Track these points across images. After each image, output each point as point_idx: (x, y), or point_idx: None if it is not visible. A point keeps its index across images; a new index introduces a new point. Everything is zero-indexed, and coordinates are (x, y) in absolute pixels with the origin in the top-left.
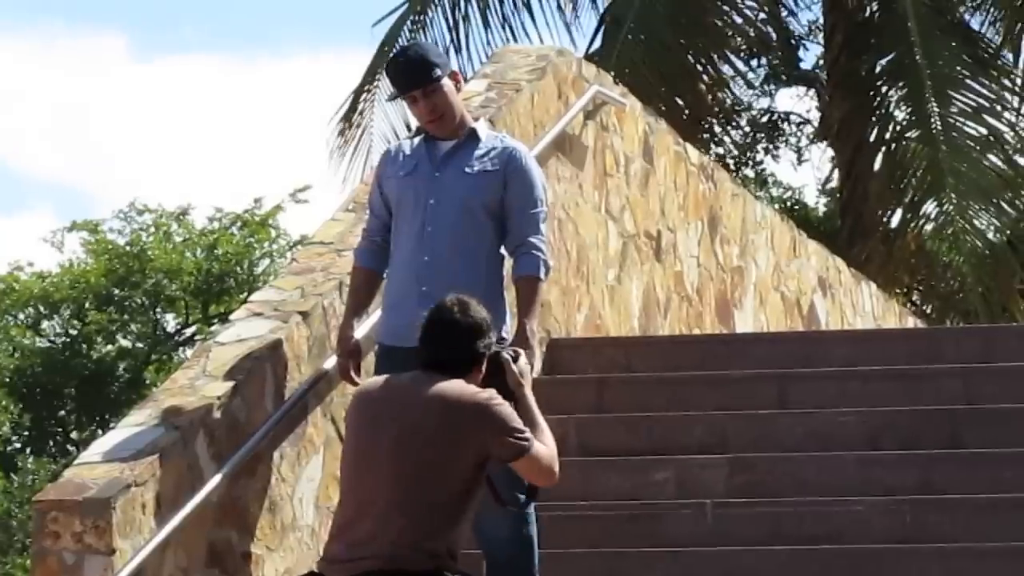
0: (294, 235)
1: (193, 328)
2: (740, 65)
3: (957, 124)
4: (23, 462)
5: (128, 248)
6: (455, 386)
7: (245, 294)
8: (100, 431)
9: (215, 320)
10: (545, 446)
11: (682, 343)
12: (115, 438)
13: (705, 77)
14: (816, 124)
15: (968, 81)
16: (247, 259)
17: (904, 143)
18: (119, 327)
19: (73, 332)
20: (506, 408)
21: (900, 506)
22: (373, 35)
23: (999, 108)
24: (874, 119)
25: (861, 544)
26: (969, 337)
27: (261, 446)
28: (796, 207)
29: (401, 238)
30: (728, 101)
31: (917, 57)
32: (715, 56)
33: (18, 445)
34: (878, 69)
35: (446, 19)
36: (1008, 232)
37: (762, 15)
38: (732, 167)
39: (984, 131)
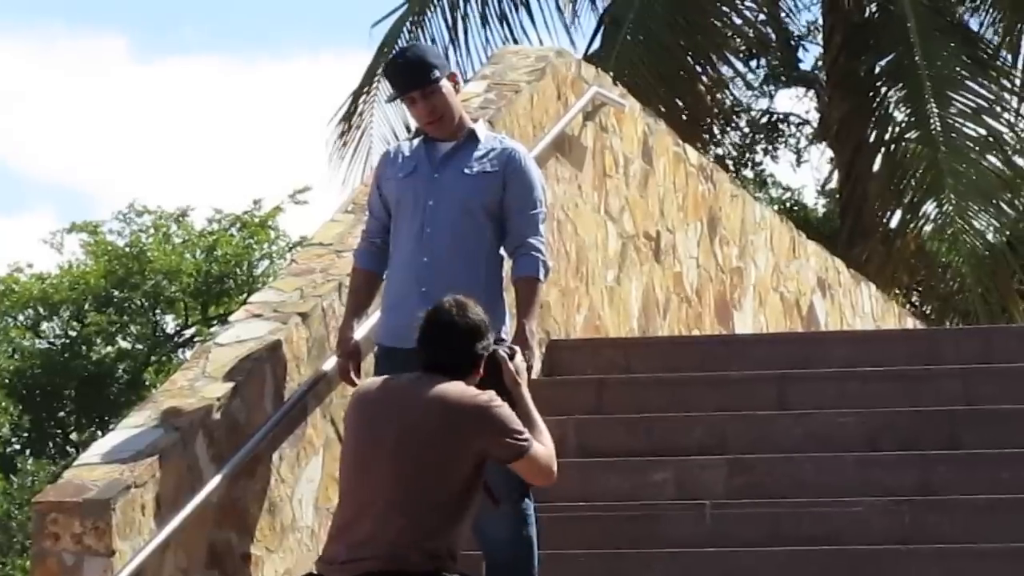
0: (293, 236)
1: (192, 329)
2: (739, 66)
3: (956, 125)
4: (23, 463)
5: (127, 249)
6: (455, 388)
7: (244, 295)
8: (100, 432)
9: (214, 321)
10: (543, 446)
11: (681, 344)
12: (115, 439)
13: (704, 78)
14: (815, 125)
15: (967, 82)
16: (246, 260)
17: (903, 144)
18: (119, 328)
19: (72, 333)
20: (505, 410)
21: (899, 507)
22: (372, 36)
23: (998, 109)
24: (873, 120)
25: (860, 545)
26: (968, 338)
27: (260, 447)
28: (795, 208)
29: (400, 239)
30: (727, 102)
31: (916, 58)
32: (714, 57)
33: (18, 446)
34: (877, 70)
35: (445, 20)
36: (1007, 233)
37: (761, 16)
38: (731, 168)
39: (983, 132)
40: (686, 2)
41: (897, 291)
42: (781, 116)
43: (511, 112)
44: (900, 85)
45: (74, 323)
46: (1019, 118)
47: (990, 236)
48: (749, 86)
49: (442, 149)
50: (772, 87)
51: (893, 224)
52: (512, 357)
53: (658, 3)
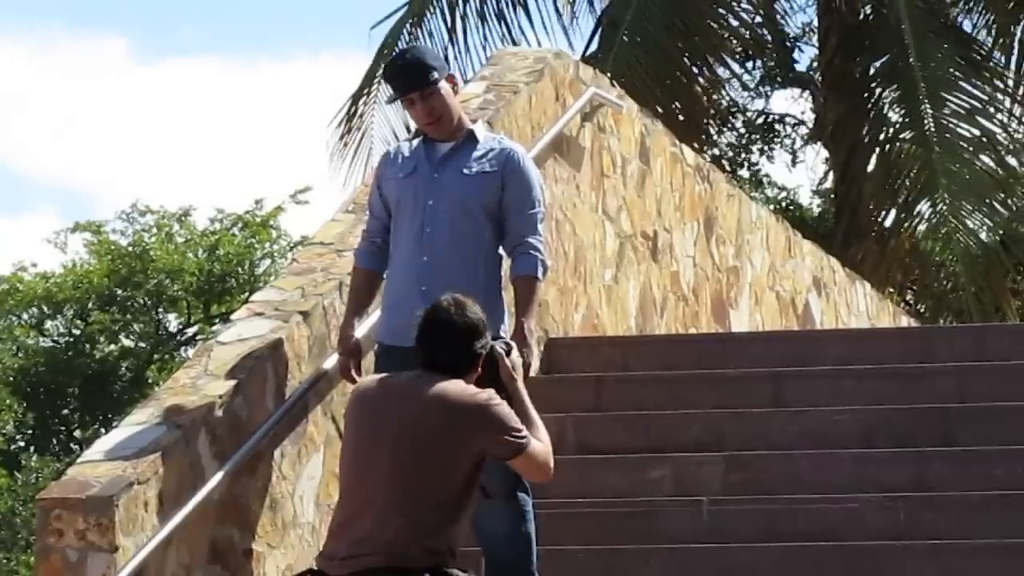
0: (295, 236)
1: (195, 328)
2: (735, 67)
3: (950, 125)
4: (27, 460)
5: (130, 249)
6: (455, 387)
7: (246, 294)
8: (103, 430)
9: (217, 320)
10: (541, 443)
11: (678, 342)
12: (118, 437)
13: (701, 79)
14: (811, 125)
15: (961, 83)
16: (248, 260)
17: (898, 144)
18: (122, 327)
19: (76, 332)
20: (505, 408)
21: (894, 503)
22: (372, 37)
23: (991, 110)
24: (868, 120)
25: (855, 541)
26: (962, 336)
27: (262, 444)
28: (791, 208)
29: (401, 239)
30: (724, 103)
31: (910, 59)
32: (711, 58)
33: (22, 443)
34: (872, 71)
35: (444, 22)
36: (1000, 232)
37: (757, 18)
38: (728, 168)
39: (977, 132)
40: (683, 4)
41: (892, 290)
42: (777, 117)
43: (510, 113)
44: (895, 86)
45: (78, 321)
46: (1012, 119)
47: (983, 235)
48: (745, 87)
49: (441, 149)
50: (768, 88)
51: (888, 223)
52: (508, 353)
53: (655, 5)
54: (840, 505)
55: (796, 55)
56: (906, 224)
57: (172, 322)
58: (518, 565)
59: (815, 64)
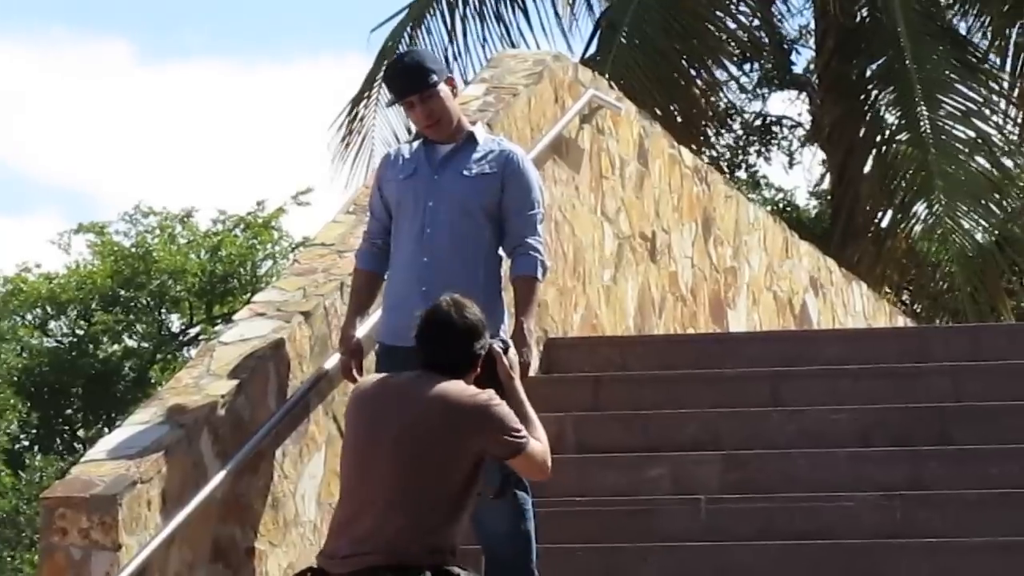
0: (296, 237)
1: (197, 328)
2: (733, 70)
3: (946, 127)
4: (31, 460)
5: (134, 250)
6: (455, 387)
7: (248, 295)
8: (106, 429)
9: (219, 320)
10: (539, 442)
11: (677, 342)
12: (121, 436)
13: (699, 81)
14: (808, 127)
15: (957, 85)
16: (250, 260)
17: (894, 146)
18: (125, 327)
19: (80, 332)
20: (504, 408)
21: (890, 502)
22: (372, 40)
23: (987, 111)
24: (865, 122)
25: (852, 539)
26: (958, 336)
27: (264, 444)
28: (788, 208)
29: (401, 240)
30: (721, 105)
31: (907, 61)
32: (709, 61)
33: (26, 443)
34: (868, 73)
35: (444, 24)
36: (996, 233)
37: (755, 21)
38: (725, 170)
39: (972, 134)
40: (681, 7)
41: (888, 290)
42: (774, 119)
43: (509, 115)
44: (891, 88)
45: (81, 322)
46: (1007, 120)
47: (979, 236)
48: (743, 89)
49: (441, 151)
50: (765, 90)
51: (884, 224)
52: (506, 352)
53: (654, 8)
54: (837, 504)
55: (793, 57)
56: (902, 225)
57: (175, 322)
58: (518, 563)
59: (812, 66)
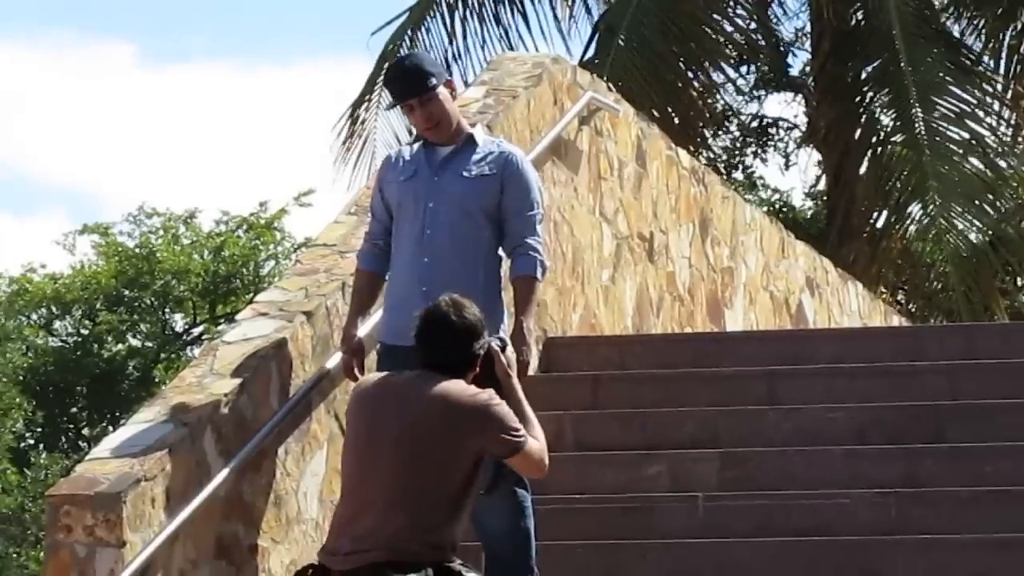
0: (298, 237)
1: (201, 328)
2: (730, 72)
3: (940, 128)
4: (36, 458)
5: (138, 250)
6: (455, 387)
7: (251, 295)
8: (111, 428)
9: (222, 320)
10: (536, 440)
11: (674, 341)
12: (125, 434)
13: (696, 83)
14: (803, 129)
15: (951, 87)
16: (253, 261)
17: (889, 147)
18: (129, 327)
19: (84, 332)
20: (504, 408)
21: (886, 499)
22: (373, 43)
23: (980, 113)
24: (860, 124)
25: (848, 536)
26: (952, 335)
27: (267, 442)
28: (784, 209)
29: (402, 241)
30: (719, 107)
31: (901, 64)
32: (706, 63)
33: (32, 441)
34: (864, 75)
35: (445, 27)
36: (989, 233)
37: (751, 24)
38: (722, 171)
39: (966, 135)
40: (679, 10)
41: (883, 290)
42: (771, 120)
43: (509, 117)
44: (886, 90)
45: (86, 322)
46: (1001, 122)
47: (973, 236)
48: (739, 91)
49: (441, 153)
50: (762, 92)
51: (879, 225)
52: (503, 350)
53: (652, 11)
54: (833, 501)
55: (789, 60)
56: (897, 225)
57: (178, 322)
58: (518, 560)
59: (808, 69)
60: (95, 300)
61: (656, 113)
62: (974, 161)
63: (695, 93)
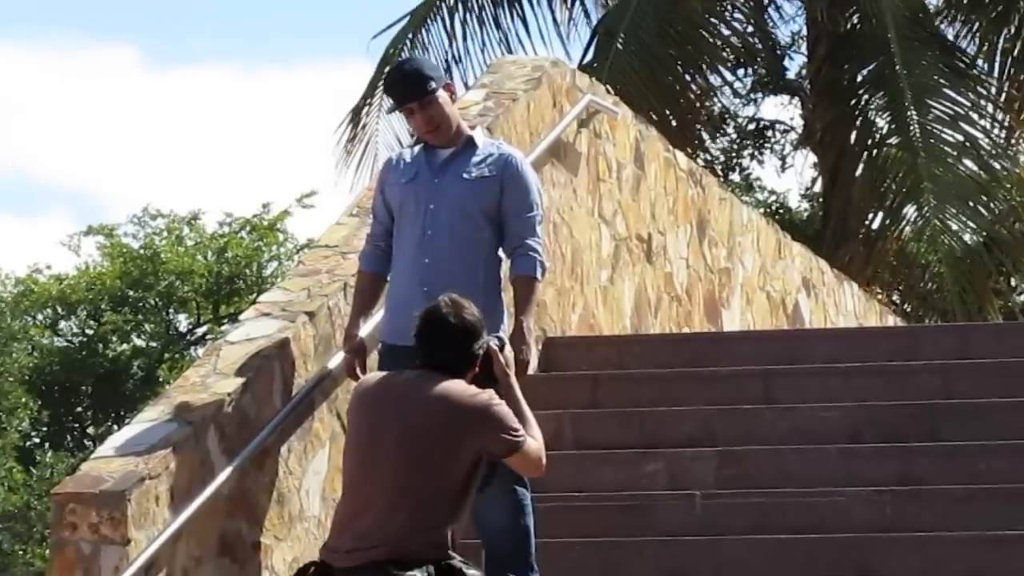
0: (301, 239)
1: (204, 328)
2: (727, 75)
3: (935, 131)
4: (42, 456)
5: (142, 251)
6: (456, 387)
7: (254, 295)
8: (115, 427)
9: (225, 320)
10: (534, 440)
11: (672, 341)
12: (130, 433)
13: (694, 87)
14: (800, 131)
15: (945, 90)
16: (256, 262)
17: (884, 149)
18: (133, 327)
19: (89, 332)
20: (504, 408)
21: (881, 497)
22: (373, 46)
23: (975, 115)
24: (855, 126)
25: (844, 533)
26: (946, 335)
27: (269, 441)
28: (780, 210)
29: (403, 242)
30: (716, 109)
31: (897, 67)
32: (703, 67)
33: (37, 440)
34: (859, 79)
35: (445, 30)
36: (983, 234)
37: (748, 27)
38: (719, 173)
39: (961, 137)
40: (677, 14)
41: (879, 290)
42: (767, 123)
43: (509, 119)
44: (881, 93)
45: (91, 322)
46: (995, 124)
47: (967, 237)
48: (736, 94)
49: (442, 155)
50: (759, 95)
51: (875, 226)
52: (502, 349)
53: (650, 15)
54: (828, 499)
55: (786, 63)
56: (892, 227)
57: (182, 322)
58: (517, 557)
59: (804, 72)
60: (100, 300)
61: (654, 116)
62: (968, 163)
63: (693, 96)
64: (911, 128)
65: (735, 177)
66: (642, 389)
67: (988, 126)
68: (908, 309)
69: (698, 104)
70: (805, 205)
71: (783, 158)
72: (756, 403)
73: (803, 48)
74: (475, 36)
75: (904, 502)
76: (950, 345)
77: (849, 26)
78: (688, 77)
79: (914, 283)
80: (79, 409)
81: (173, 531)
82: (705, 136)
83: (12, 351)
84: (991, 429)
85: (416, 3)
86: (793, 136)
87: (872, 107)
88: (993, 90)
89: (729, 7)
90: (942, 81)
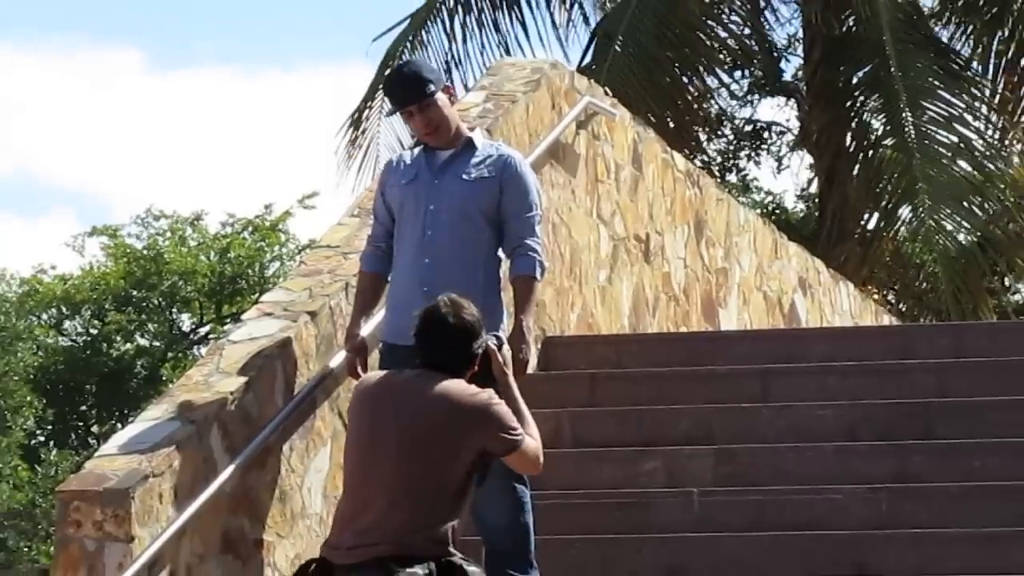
0: (302, 239)
1: (207, 327)
2: (724, 77)
3: (929, 132)
4: (47, 454)
5: (145, 252)
6: (456, 387)
7: (256, 295)
8: (119, 425)
9: (228, 320)
10: (532, 438)
11: (670, 340)
12: (133, 431)
13: (691, 88)
14: (796, 133)
15: (940, 91)
16: (258, 262)
17: (880, 151)
18: (137, 327)
19: (94, 331)
20: (503, 407)
21: (876, 494)
22: (373, 48)
23: (969, 117)
24: (851, 128)
25: (840, 531)
26: (941, 334)
27: (272, 439)
28: (776, 211)
29: (404, 243)
30: (713, 111)
31: (892, 69)
32: (701, 69)
33: (42, 438)
34: (855, 81)
35: (446, 33)
36: (978, 234)
37: (745, 30)
38: (716, 173)
39: (955, 139)
40: (674, 17)
41: (874, 290)
42: (764, 124)
43: (508, 121)
44: (876, 95)
45: (95, 322)
46: (989, 125)
47: (961, 238)
48: (733, 96)
49: (441, 157)
50: (755, 97)
51: (870, 227)
52: (500, 348)
53: (648, 18)
54: (825, 496)
55: (782, 65)
56: (888, 227)
57: (185, 322)
58: (517, 554)
59: (800, 74)
60: (104, 300)
61: (652, 117)
62: (963, 164)
63: (690, 98)
64: (906, 129)
65: (732, 178)
66: (640, 388)
67: (982, 127)
68: (903, 309)
69: (695, 106)
70: (801, 206)
71: (779, 159)
72: (753, 402)
73: (799, 50)
74: (475, 38)
75: (900, 500)
76: (945, 344)
77: (844, 29)
78: (686, 79)
79: (909, 283)
80: (83, 408)
81: (176, 528)
82: (702, 137)
83: (17, 350)
84: (985, 427)
85: (416, 6)
86: (789, 137)
87: (867, 109)
88: (987, 92)
89: (726, 10)
90: (936, 83)
